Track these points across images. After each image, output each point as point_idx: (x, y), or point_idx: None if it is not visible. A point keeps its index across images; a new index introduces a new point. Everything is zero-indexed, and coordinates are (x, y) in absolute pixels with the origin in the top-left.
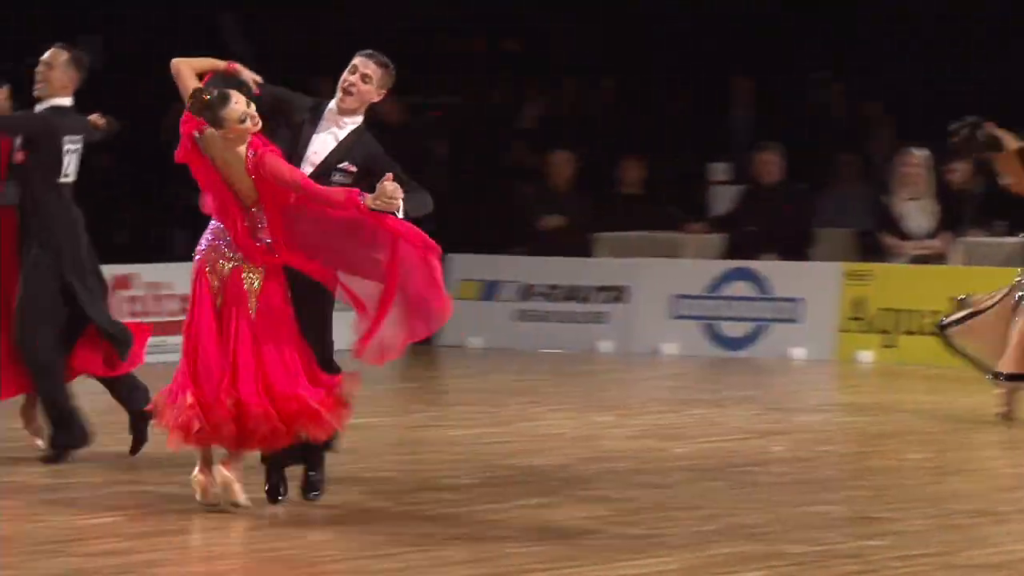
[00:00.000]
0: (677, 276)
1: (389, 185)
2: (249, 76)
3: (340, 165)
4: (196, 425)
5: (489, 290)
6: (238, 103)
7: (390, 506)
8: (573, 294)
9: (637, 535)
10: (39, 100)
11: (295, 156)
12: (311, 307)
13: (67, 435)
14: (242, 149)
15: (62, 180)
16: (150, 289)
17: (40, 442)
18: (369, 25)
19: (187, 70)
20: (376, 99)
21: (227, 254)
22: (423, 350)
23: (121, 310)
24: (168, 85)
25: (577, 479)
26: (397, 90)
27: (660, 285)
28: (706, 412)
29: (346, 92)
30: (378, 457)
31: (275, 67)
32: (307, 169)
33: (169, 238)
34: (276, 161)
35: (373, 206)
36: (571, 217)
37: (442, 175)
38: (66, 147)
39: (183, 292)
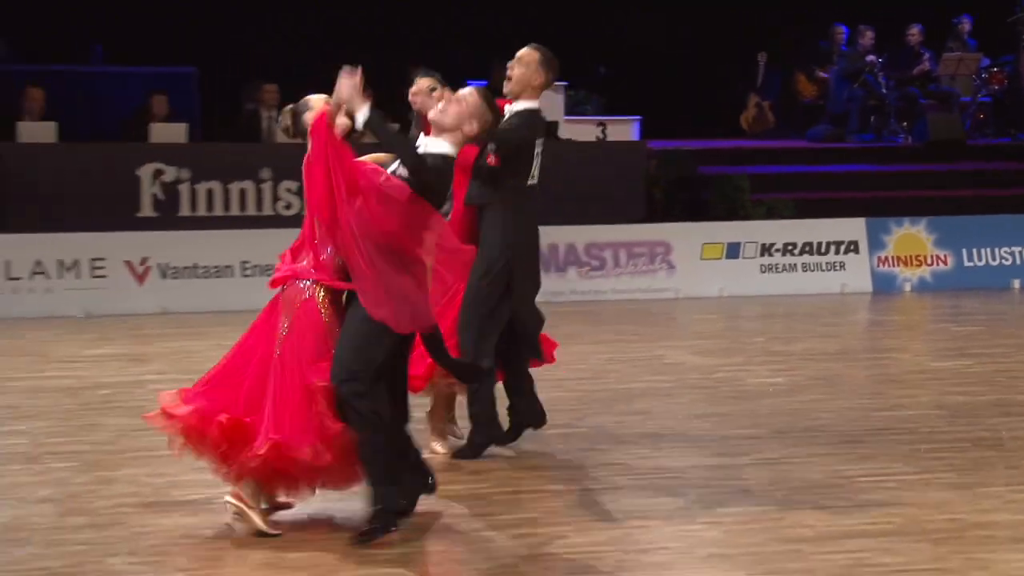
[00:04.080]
0: None
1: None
2: None
3: None
4: None
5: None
6: None
7: None
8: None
9: None
10: (507, 98)
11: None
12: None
13: (486, 433)
14: None
15: (530, 183)
16: None
17: (439, 446)
18: None
19: None
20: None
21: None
22: None
23: None
24: None
25: None
26: None
27: None
28: None
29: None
30: None
31: None
32: None
33: None
34: None
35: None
36: None
37: None
38: (536, 150)
39: None
